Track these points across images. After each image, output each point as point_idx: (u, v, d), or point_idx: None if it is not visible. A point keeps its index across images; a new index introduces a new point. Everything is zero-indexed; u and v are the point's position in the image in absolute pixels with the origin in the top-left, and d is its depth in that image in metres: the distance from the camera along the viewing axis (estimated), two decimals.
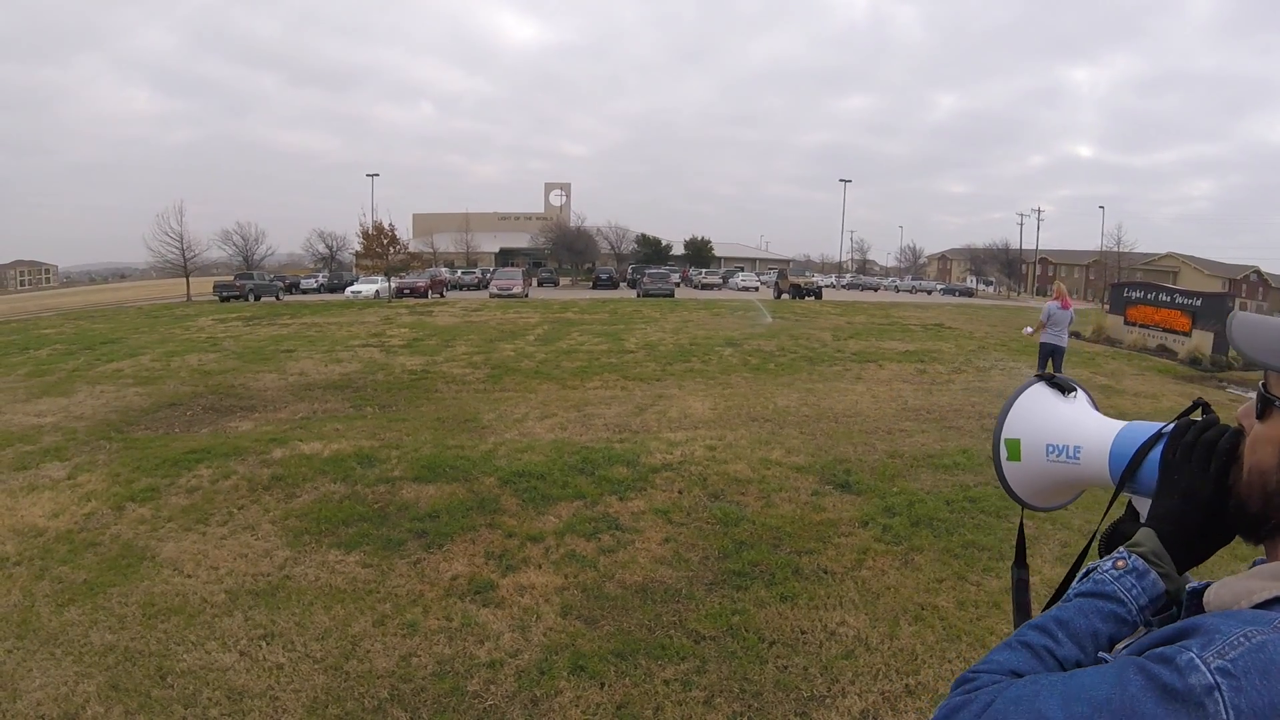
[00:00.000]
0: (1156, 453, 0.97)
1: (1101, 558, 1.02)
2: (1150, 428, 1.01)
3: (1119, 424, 1.07)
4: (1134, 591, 0.88)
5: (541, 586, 4.55)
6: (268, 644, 3.96)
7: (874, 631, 4.05)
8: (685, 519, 5.58)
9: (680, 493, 6.11)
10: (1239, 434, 0.89)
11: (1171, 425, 0.97)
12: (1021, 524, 1.24)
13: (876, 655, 3.83)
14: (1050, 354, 11.20)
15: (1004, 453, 1.16)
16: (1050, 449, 1.11)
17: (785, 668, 3.72)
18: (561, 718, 3.36)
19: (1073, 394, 1.18)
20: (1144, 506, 0.99)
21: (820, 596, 4.42)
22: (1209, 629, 0.72)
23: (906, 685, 3.58)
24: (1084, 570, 0.95)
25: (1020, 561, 1.21)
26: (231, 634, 4.06)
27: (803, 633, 4.04)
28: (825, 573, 4.74)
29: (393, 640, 3.98)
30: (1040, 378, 1.20)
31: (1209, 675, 0.66)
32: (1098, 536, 1.09)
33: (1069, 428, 1.12)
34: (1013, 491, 1.16)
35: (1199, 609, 0.84)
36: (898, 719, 3.36)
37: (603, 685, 3.57)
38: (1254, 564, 0.89)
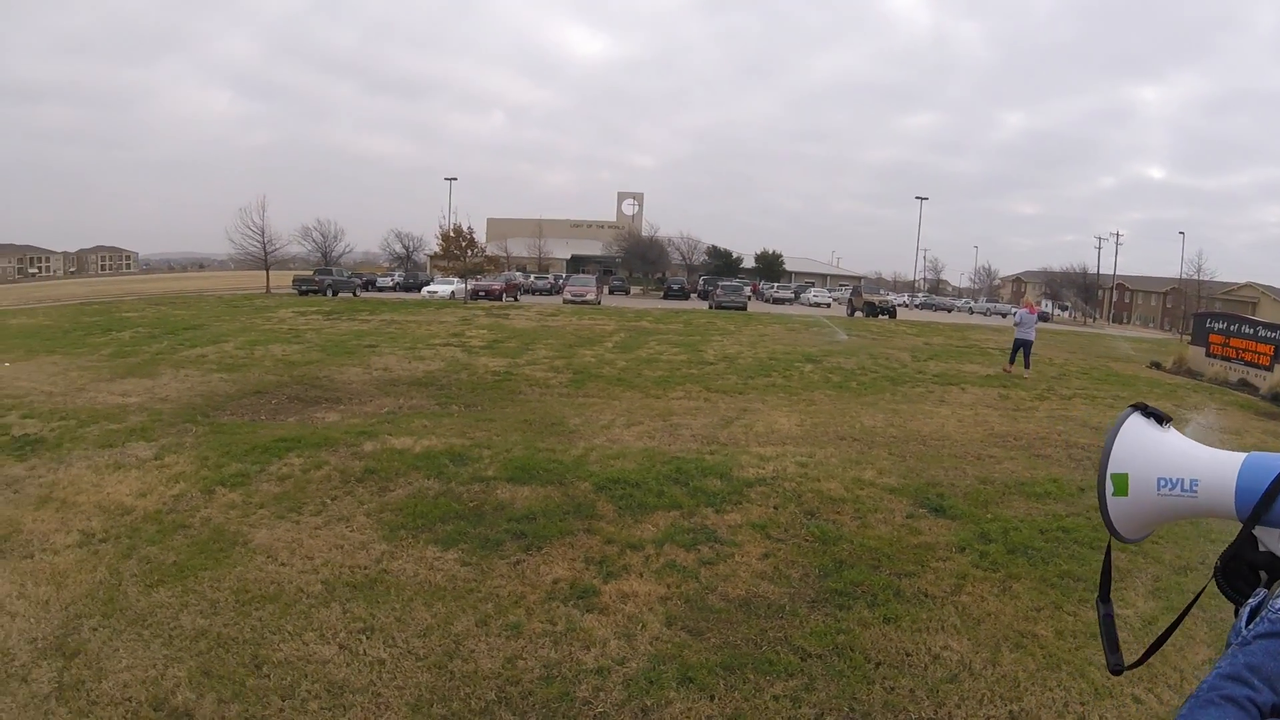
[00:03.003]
0: None
1: (1219, 585, 1.04)
2: (1278, 458, 0.99)
3: (1239, 455, 1.04)
4: None
5: (644, 595, 4.53)
6: (368, 638, 3.97)
7: (976, 657, 3.98)
8: (783, 535, 5.50)
9: (775, 508, 6.02)
10: None
11: None
12: (1108, 557, 1.23)
13: (980, 681, 3.77)
14: (1021, 345, 15.20)
15: (1109, 488, 1.13)
16: (1162, 483, 1.08)
17: (892, 689, 3.66)
18: None
19: (1168, 423, 1.16)
20: (1270, 537, 0.98)
21: (922, 620, 4.35)
22: None
23: (1010, 712, 3.53)
24: (1248, 607, 0.96)
25: (1105, 596, 1.21)
26: (330, 626, 4.08)
27: (907, 655, 3.98)
28: (926, 596, 4.66)
29: (496, 641, 3.99)
30: (1135, 406, 1.17)
31: None
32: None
33: (1181, 460, 1.09)
34: (1114, 527, 1.14)
35: None
36: None
37: (713, 698, 3.53)
38: None
